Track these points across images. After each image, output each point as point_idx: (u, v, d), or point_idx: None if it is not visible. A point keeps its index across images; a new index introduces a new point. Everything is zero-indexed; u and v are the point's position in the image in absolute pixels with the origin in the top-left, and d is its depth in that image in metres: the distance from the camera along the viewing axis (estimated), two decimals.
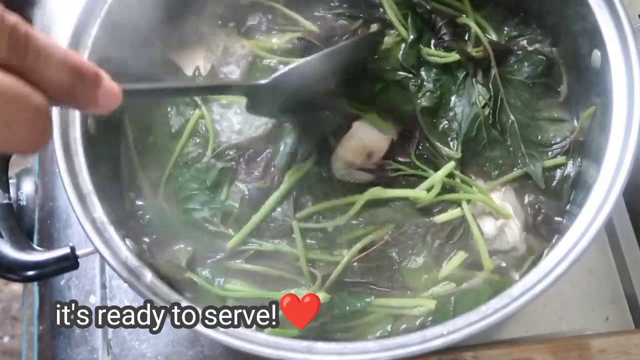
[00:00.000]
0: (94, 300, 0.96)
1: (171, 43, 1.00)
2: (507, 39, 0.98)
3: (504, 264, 0.87)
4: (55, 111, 0.80)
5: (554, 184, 0.91)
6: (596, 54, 0.83)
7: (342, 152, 0.91)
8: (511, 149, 0.92)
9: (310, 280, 0.85)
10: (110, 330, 0.94)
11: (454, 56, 0.96)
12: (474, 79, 0.95)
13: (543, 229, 0.88)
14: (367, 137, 0.91)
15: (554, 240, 0.87)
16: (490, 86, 0.94)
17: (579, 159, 0.90)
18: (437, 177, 0.87)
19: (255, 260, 0.87)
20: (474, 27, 0.97)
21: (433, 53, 0.98)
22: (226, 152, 0.93)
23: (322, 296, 0.81)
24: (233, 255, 0.87)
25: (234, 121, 0.95)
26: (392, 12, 0.99)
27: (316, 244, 0.88)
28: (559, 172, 0.91)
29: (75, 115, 0.81)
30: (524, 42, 0.97)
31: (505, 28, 0.99)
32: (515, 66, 0.95)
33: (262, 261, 0.87)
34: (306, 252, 0.86)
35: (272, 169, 0.92)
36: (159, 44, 0.97)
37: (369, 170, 0.90)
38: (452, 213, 0.88)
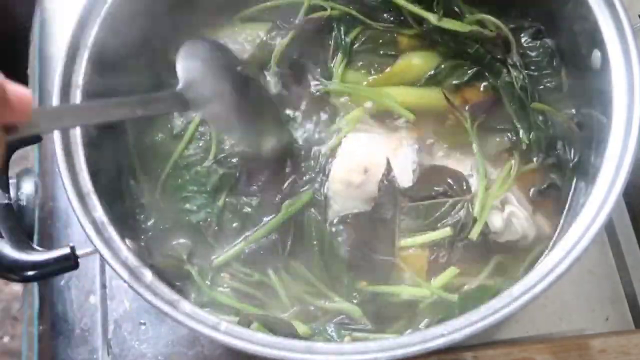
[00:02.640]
0: (94, 301, 0.96)
1: (172, 43, 1.00)
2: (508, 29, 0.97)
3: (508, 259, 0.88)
4: None
5: (557, 172, 0.92)
6: (596, 54, 0.83)
7: (338, 173, 0.90)
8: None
9: (290, 307, 0.86)
10: (110, 330, 0.94)
11: (466, 26, 0.95)
12: (498, 63, 0.95)
13: (549, 210, 0.89)
14: (359, 152, 0.91)
15: (561, 221, 0.88)
16: (511, 69, 0.94)
17: (580, 155, 0.90)
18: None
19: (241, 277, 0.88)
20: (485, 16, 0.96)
21: (448, 21, 0.95)
22: (228, 160, 0.93)
23: (302, 329, 0.82)
24: (220, 270, 0.88)
25: None
26: None
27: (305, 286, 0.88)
28: (559, 154, 0.92)
29: None
30: (526, 36, 0.97)
31: (507, 22, 0.98)
32: (522, 58, 0.95)
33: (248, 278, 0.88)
34: (293, 290, 0.87)
35: (274, 190, 0.91)
36: (160, 45, 0.97)
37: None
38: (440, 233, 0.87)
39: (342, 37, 0.99)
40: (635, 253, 0.98)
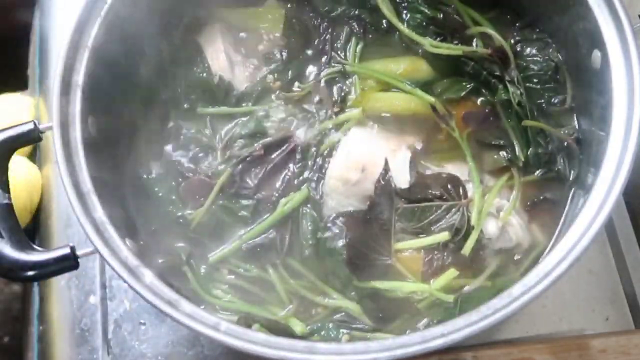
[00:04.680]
0: (94, 301, 0.96)
1: (173, 42, 1.00)
2: (512, 42, 0.97)
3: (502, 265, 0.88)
4: (55, 111, 0.80)
5: (555, 184, 0.91)
6: (596, 54, 0.83)
7: (335, 169, 0.90)
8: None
9: (289, 303, 0.86)
10: (110, 330, 0.94)
11: (459, 48, 0.95)
12: (494, 80, 0.95)
13: (545, 220, 0.89)
14: (358, 150, 0.91)
15: (557, 231, 0.88)
16: (509, 85, 0.93)
17: (580, 160, 0.90)
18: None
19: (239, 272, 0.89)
20: (489, 31, 0.96)
21: (438, 45, 0.96)
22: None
23: (299, 328, 0.83)
24: (217, 267, 0.89)
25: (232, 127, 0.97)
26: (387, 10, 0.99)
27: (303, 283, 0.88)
28: (559, 170, 0.91)
29: (76, 115, 0.81)
30: (531, 48, 0.97)
31: (513, 33, 0.98)
32: (523, 72, 0.95)
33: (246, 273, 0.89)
34: (290, 287, 0.87)
35: (268, 188, 0.92)
36: (160, 44, 0.97)
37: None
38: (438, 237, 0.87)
39: (357, 28, 1.01)
40: (635, 253, 0.98)
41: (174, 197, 0.92)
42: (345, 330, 0.84)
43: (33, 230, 1.02)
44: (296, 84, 0.99)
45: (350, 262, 0.86)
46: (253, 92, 0.98)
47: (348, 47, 1.00)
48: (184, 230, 0.90)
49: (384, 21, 1.01)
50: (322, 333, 0.84)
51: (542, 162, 0.92)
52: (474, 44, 0.98)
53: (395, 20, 0.98)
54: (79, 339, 0.94)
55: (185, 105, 0.98)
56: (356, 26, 1.00)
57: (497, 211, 0.89)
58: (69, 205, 0.76)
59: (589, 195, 0.75)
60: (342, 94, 0.97)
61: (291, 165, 0.93)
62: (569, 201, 0.90)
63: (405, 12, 1.00)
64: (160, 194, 0.92)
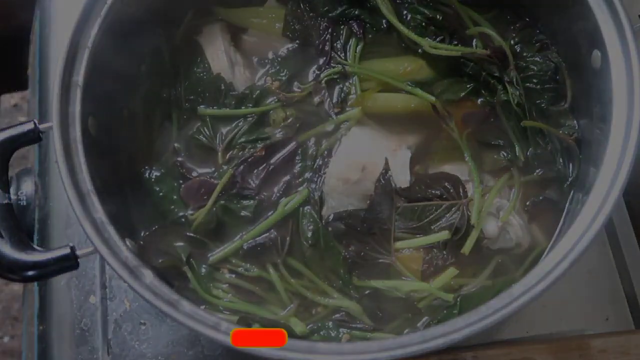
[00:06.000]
0: (94, 300, 0.96)
1: (173, 42, 1.00)
2: (511, 42, 0.97)
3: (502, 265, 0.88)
4: (55, 110, 0.80)
5: (555, 185, 0.91)
6: (596, 54, 0.83)
7: (335, 169, 0.90)
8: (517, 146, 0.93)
9: (289, 303, 0.86)
10: (110, 330, 0.94)
11: (458, 49, 0.96)
12: (493, 81, 0.95)
13: (545, 220, 0.89)
14: (358, 150, 0.91)
15: (557, 230, 0.88)
16: (508, 86, 0.93)
17: (579, 160, 0.90)
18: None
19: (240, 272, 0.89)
20: (489, 32, 0.96)
21: (436, 45, 0.97)
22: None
23: (300, 328, 0.83)
24: (217, 267, 0.89)
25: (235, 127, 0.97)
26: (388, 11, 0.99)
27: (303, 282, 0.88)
28: (559, 170, 0.91)
29: (75, 115, 0.81)
30: (530, 48, 0.96)
31: (512, 34, 0.98)
32: (523, 73, 0.94)
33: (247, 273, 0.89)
34: (291, 286, 0.88)
35: (269, 188, 0.92)
36: (160, 45, 0.97)
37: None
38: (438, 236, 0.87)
39: (357, 29, 1.01)
40: (635, 253, 0.98)
41: (175, 197, 0.92)
42: (345, 330, 0.84)
43: (33, 230, 1.02)
44: (296, 84, 1.00)
45: (350, 261, 0.86)
46: (253, 93, 0.98)
47: (348, 47, 1.00)
48: (184, 230, 0.90)
49: (383, 21, 1.01)
50: (322, 333, 0.84)
51: (542, 162, 0.92)
52: (474, 44, 0.98)
53: (394, 21, 0.98)
54: (79, 339, 0.94)
55: (186, 106, 0.98)
56: (356, 26, 1.00)
57: (497, 211, 0.89)
58: (69, 205, 0.76)
59: (589, 195, 0.75)
60: (342, 94, 0.98)
61: (292, 166, 0.93)
62: (568, 201, 0.89)
63: (405, 12, 1.01)
64: (161, 194, 0.93)
